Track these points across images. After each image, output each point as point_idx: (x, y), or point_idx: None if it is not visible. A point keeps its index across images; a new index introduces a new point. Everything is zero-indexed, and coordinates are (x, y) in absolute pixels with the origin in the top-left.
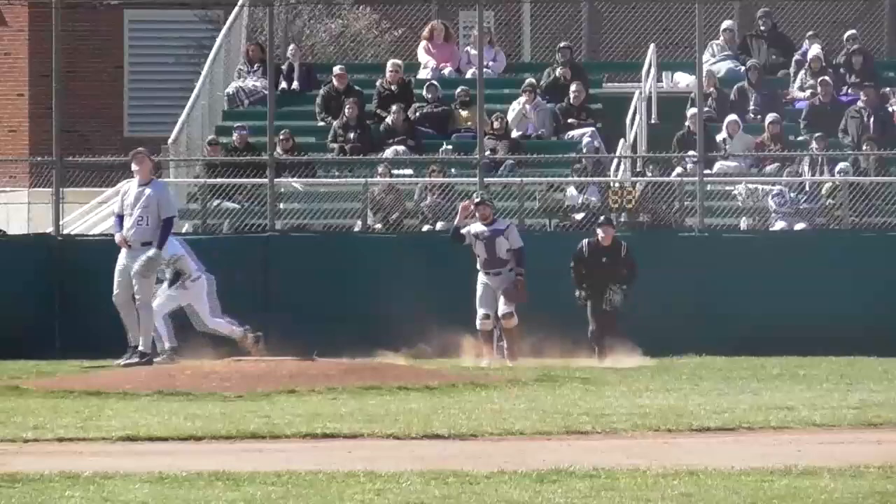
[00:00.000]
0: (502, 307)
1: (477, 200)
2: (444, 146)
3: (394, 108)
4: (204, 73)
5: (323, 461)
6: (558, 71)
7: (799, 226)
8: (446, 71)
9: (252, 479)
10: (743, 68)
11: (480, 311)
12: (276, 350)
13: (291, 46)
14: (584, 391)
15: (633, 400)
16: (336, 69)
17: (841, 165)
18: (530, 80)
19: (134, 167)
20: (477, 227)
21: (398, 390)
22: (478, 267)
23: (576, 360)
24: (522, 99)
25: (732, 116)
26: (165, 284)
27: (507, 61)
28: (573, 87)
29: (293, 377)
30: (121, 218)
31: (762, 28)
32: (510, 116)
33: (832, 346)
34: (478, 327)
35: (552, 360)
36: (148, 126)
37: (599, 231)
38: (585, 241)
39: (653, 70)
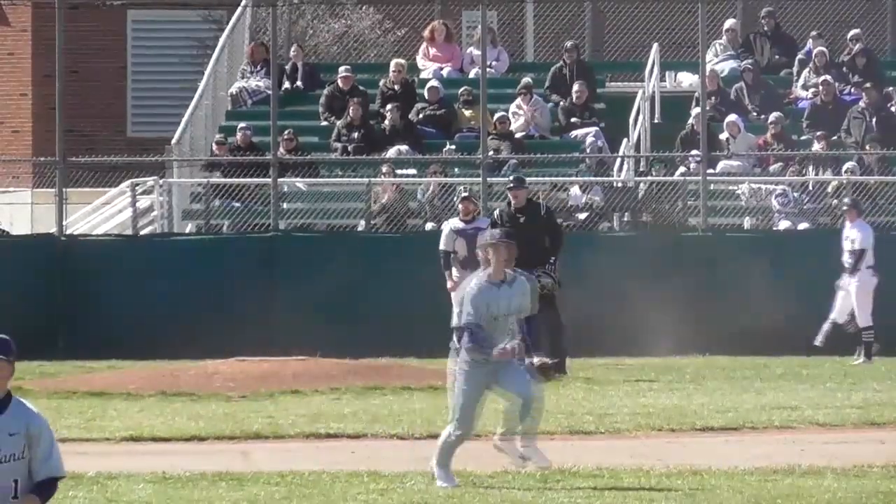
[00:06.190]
0: None
1: (464, 195)
2: (448, 146)
3: (389, 106)
4: (207, 73)
5: (326, 461)
6: (562, 66)
7: (802, 225)
8: (445, 71)
9: (255, 480)
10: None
11: None
12: (281, 350)
13: (294, 46)
14: (587, 391)
15: (637, 400)
16: (342, 70)
17: (848, 165)
18: (526, 80)
19: None
20: (456, 223)
21: (401, 390)
22: (454, 264)
23: (575, 359)
24: (519, 100)
25: (732, 117)
26: None
27: (511, 61)
28: (576, 87)
29: (297, 377)
30: None
31: (765, 28)
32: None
33: (835, 346)
34: None
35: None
36: (151, 126)
37: (510, 194)
38: (497, 210)
39: (656, 69)
